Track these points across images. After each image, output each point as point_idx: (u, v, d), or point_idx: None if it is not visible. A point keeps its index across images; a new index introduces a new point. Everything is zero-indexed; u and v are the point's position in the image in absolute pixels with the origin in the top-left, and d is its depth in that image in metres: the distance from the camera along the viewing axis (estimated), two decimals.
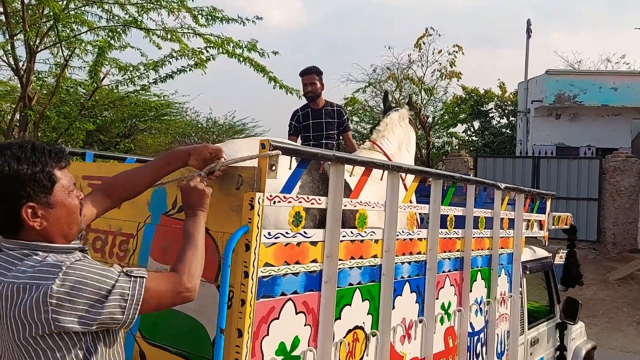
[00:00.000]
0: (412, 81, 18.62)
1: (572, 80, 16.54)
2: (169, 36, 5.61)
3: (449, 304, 2.99)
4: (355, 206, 2.26)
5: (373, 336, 2.37)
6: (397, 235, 2.49)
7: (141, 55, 6.07)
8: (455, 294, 3.06)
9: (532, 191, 4.00)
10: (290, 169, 1.95)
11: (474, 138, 21.76)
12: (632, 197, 12.52)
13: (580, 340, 5.16)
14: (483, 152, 20.21)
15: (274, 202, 1.87)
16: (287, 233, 1.93)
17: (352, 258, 2.25)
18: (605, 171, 12.72)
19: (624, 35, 46.75)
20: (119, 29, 5.59)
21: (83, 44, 5.72)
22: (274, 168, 1.80)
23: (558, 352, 4.64)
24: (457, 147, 20.45)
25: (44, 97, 6.08)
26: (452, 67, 18.43)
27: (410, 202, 2.68)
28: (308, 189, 2.42)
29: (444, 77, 18.63)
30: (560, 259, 5.04)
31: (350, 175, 2.49)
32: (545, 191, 4.28)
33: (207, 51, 5.72)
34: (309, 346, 2.05)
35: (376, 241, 2.39)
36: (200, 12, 5.43)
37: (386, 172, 2.45)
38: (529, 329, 4.15)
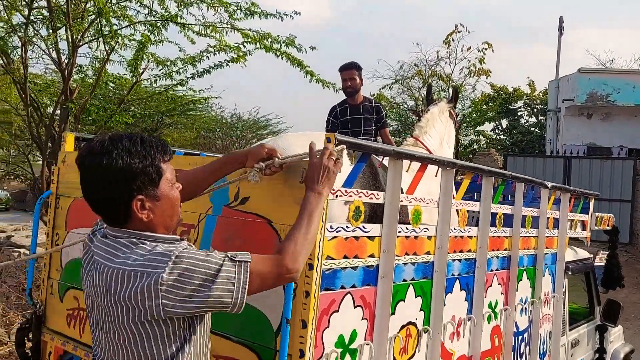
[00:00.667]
0: (440, 78, 18.44)
1: (605, 79, 16.19)
2: (207, 31, 5.66)
3: (496, 302, 2.97)
4: (410, 202, 2.26)
5: (425, 332, 2.37)
6: (450, 232, 2.48)
7: (179, 50, 6.16)
8: (502, 293, 3.03)
9: (577, 191, 3.94)
10: (351, 164, 1.95)
11: (501, 137, 21.49)
12: None
13: (618, 343, 5.07)
14: (511, 151, 19.95)
15: (336, 196, 1.88)
16: (347, 227, 1.94)
17: (407, 254, 2.25)
18: (639, 172, 12.44)
19: None
20: (158, 24, 5.66)
21: (122, 39, 5.80)
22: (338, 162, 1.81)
23: (597, 355, 4.57)
24: (484, 145, 20.24)
25: (85, 90, 6.19)
26: (481, 65, 18.23)
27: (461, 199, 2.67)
28: (359, 184, 2.42)
29: (472, 74, 18.44)
30: (600, 260, 4.96)
31: (406, 171, 2.48)
32: (590, 191, 4.21)
33: (244, 46, 5.76)
34: (365, 340, 2.06)
35: (429, 238, 2.38)
36: (239, 7, 5.48)
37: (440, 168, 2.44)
38: (569, 330, 4.10)
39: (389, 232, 2.11)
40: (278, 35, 5.58)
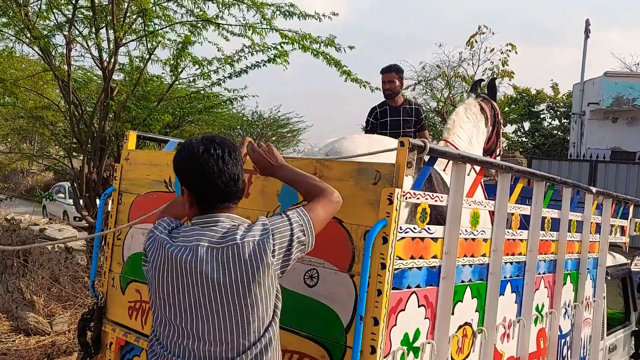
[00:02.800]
0: (463, 79, 18.37)
1: (632, 83, 16.02)
2: (248, 33, 5.75)
3: (542, 305, 3.01)
4: (470, 205, 2.31)
5: (479, 333, 2.42)
6: (504, 236, 2.53)
7: (217, 50, 6.25)
8: (548, 296, 3.07)
9: (619, 196, 3.95)
10: (416, 168, 2.00)
11: (523, 139, 21.34)
12: None
13: None
14: (533, 154, 19.80)
15: (406, 198, 1.94)
16: (414, 228, 2.00)
17: (465, 256, 2.30)
18: None
19: None
20: (199, 24, 5.76)
21: (163, 39, 5.92)
22: (410, 165, 1.87)
23: None
24: (506, 147, 20.10)
25: (125, 88, 6.32)
26: (504, 66, 18.14)
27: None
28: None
29: (496, 76, 18.35)
30: (636, 265, 4.95)
31: (468, 174, 2.53)
32: (631, 197, 4.21)
33: (281, 47, 5.83)
34: (427, 339, 2.11)
35: (485, 240, 2.43)
36: (279, 8, 5.56)
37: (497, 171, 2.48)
38: (607, 335, 4.11)
39: (451, 234, 2.17)
40: (318, 36, 5.66)
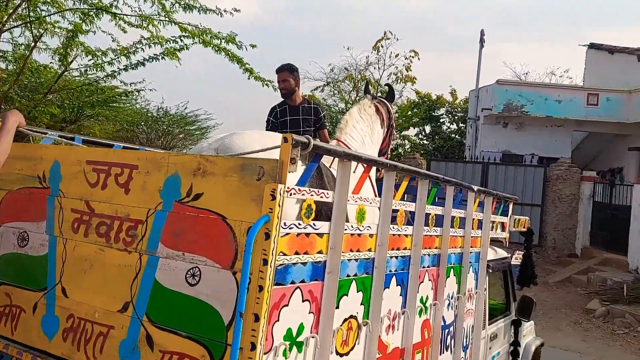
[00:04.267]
0: (369, 83, 18.96)
1: (521, 90, 17.29)
2: (143, 23, 5.52)
3: (427, 297, 3.16)
4: (356, 202, 2.37)
5: (364, 325, 2.49)
6: (389, 230, 2.62)
7: (112, 41, 5.94)
8: (432, 289, 3.23)
9: (499, 194, 4.25)
10: (302, 164, 2.03)
11: (425, 142, 22.36)
12: (572, 204, 13.28)
13: (530, 337, 5.49)
14: (433, 156, 20.83)
15: (290, 194, 1.95)
16: (299, 224, 2.02)
17: (351, 250, 2.36)
18: (549, 179, 13.44)
19: (568, 50, 49.27)
20: (91, 13, 5.44)
21: (51, 26, 5.51)
22: (294, 161, 1.89)
23: (512, 347, 4.93)
24: (409, 149, 20.98)
25: (8, 78, 5.82)
26: (407, 72, 18.96)
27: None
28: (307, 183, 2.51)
29: (399, 80, 19.13)
30: (516, 259, 5.34)
31: (354, 172, 2.59)
32: (510, 195, 4.55)
33: (181, 40, 5.67)
34: (311, 333, 2.14)
35: (371, 235, 2.51)
36: (178, 1, 5.38)
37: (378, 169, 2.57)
38: (489, 324, 4.40)
39: (336, 229, 2.21)
40: (219, 32, 5.55)
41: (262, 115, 4.98)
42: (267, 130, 4.96)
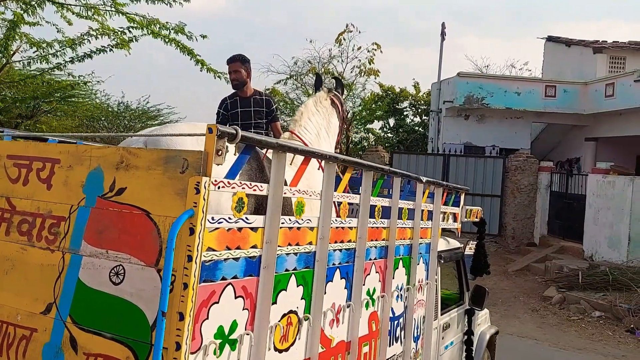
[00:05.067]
0: (332, 76, 18.94)
1: (481, 83, 17.55)
2: (89, 13, 5.31)
3: (374, 289, 3.14)
4: (294, 194, 2.32)
5: (305, 320, 2.45)
6: (331, 223, 2.58)
7: (57, 32, 5.69)
8: (379, 281, 3.21)
9: (449, 185, 4.26)
10: (235, 154, 1.96)
11: (389, 135, 22.50)
12: (530, 194, 13.57)
13: (485, 326, 5.57)
14: (398, 149, 20.98)
15: (218, 187, 1.88)
16: (229, 218, 1.95)
17: (289, 244, 2.31)
18: (508, 170, 13.69)
19: (528, 43, 50.34)
20: (33, 2, 5.21)
21: None
22: (220, 153, 1.82)
23: (466, 337, 4.99)
24: (373, 142, 21.08)
25: None
26: (370, 65, 18.98)
27: (344, 191, 2.79)
28: (246, 176, 2.44)
29: (362, 73, 19.15)
30: (469, 249, 5.39)
31: (290, 164, 2.54)
32: (461, 186, 4.58)
33: (129, 31, 5.49)
34: (245, 330, 2.08)
35: (312, 229, 2.46)
36: None
37: (323, 161, 2.52)
38: (441, 314, 4.43)
39: (271, 223, 2.15)
40: (167, 22, 5.40)
41: None
42: (217, 122, 4.86)
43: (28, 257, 2.11)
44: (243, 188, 2.00)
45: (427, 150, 19.71)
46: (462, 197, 4.67)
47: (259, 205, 2.33)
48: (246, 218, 2.03)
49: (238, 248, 2.01)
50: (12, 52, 5.37)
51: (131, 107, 23.63)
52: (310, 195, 2.45)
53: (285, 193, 2.23)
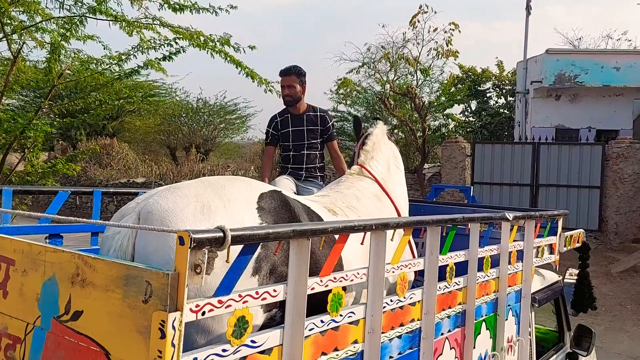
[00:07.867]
0: (407, 61, 17.96)
1: (573, 59, 15.93)
2: (127, 28, 4.97)
3: None
4: (327, 286, 1.71)
5: None
6: (384, 307, 1.95)
7: (104, 49, 5.44)
8: (456, 357, 2.53)
9: (544, 215, 3.45)
10: (227, 261, 1.37)
11: (471, 119, 21.16)
12: (635, 184, 12.03)
13: None
14: (480, 134, 19.62)
15: (203, 314, 1.31)
16: (224, 351, 1.37)
17: (324, 354, 1.71)
18: (608, 158, 12.20)
19: (625, 10, 45.87)
20: (75, 20, 4.92)
21: (35, 37, 5.05)
22: (199, 270, 1.24)
23: None
24: (453, 129, 19.87)
25: None
26: (448, 46, 17.75)
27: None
28: (270, 217, 1.86)
29: (440, 56, 17.96)
30: (570, 276, 4.52)
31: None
32: (558, 211, 3.72)
33: (176, 43, 5.09)
34: None
35: (356, 323, 1.84)
36: (166, 1, 4.79)
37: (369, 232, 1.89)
38: None
39: (293, 337, 1.56)
40: (210, 35, 4.93)
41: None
42: (266, 142, 4.32)
43: None
44: (245, 302, 1.42)
45: (513, 136, 18.26)
46: (560, 222, 3.83)
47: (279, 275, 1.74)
48: (252, 341, 1.45)
49: None
50: (59, 73, 5.12)
51: (209, 103, 24.02)
52: (352, 280, 1.83)
53: (313, 288, 1.63)
